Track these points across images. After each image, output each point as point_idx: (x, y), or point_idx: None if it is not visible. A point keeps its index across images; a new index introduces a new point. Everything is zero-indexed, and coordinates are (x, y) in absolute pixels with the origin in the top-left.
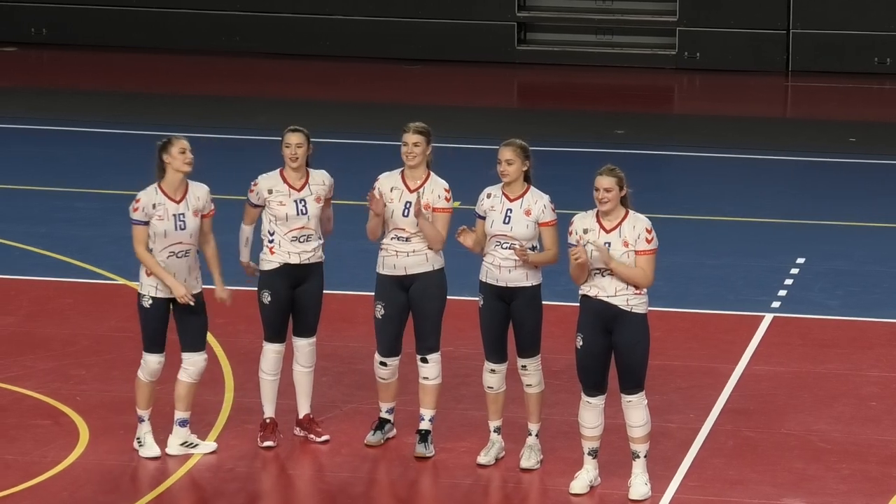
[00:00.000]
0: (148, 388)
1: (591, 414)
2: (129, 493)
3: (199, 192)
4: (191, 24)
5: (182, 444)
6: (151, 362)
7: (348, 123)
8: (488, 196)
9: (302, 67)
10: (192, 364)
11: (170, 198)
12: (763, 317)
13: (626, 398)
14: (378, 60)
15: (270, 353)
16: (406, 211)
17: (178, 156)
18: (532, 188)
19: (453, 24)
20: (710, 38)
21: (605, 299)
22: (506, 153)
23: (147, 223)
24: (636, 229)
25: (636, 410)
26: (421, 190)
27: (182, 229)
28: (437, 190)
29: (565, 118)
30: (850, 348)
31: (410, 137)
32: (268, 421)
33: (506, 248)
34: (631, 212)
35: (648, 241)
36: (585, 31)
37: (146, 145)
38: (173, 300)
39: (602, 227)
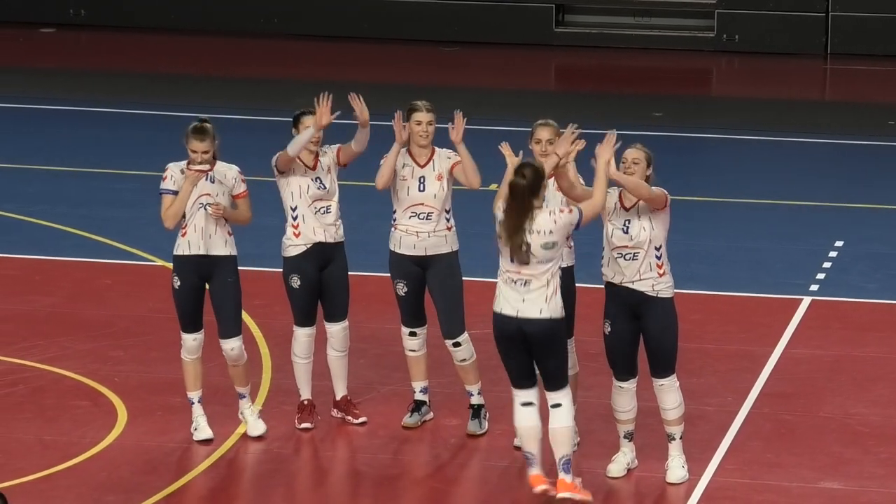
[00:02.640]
0: (192, 366)
1: (623, 398)
2: (166, 473)
3: (228, 173)
4: (228, 6)
5: (240, 414)
6: (187, 340)
7: (385, 106)
8: None
9: (339, 49)
10: (224, 351)
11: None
12: (801, 300)
13: (657, 382)
14: (415, 42)
15: (302, 336)
16: (422, 186)
17: (192, 154)
18: None
19: (491, 6)
20: (748, 20)
21: (630, 286)
22: (545, 133)
23: (176, 192)
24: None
25: (668, 394)
26: (430, 164)
27: (211, 182)
28: (444, 155)
29: (603, 100)
30: (889, 331)
31: (424, 116)
32: (305, 403)
33: None
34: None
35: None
36: (623, 13)
37: (184, 127)
38: (208, 278)
39: (622, 204)
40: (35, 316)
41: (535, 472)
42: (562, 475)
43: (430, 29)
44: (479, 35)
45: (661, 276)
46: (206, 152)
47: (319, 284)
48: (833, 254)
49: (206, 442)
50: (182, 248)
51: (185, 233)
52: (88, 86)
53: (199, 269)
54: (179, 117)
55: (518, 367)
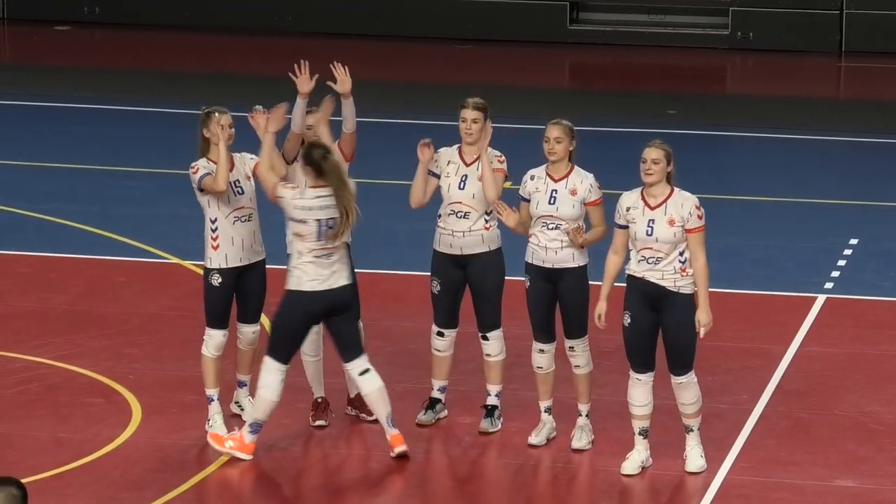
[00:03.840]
0: (213, 363)
1: (640, 392)
2: (181, 471)
3: (243, 157)
4: (243, 4)
5: (235, 403)
6: (216, 336)
7: (399, 103)
8: (532, 178)
9: (353, 47)
10: (243, 334)
11: None
12: (816, 298)
13: (675, 380)
14: (429, 40)
15: (310, 334)
16: (462, 184)
17: (220, 131)
18: (576, 167)
19: (505, 4)
20: (762, 18)
21: (652, 280)
22: (554, 131)
23: (211, 173)
24: (685, 207)
25: (687, 390)
26: (476, 164)
27: (241, 194)
28: (491, 155)
29: (617, 98)
30: None
31: (469, 114)
32: (319, 400)
33: (552, 229)
34: (677, 189)
35: (700, 218)
36: (638, 11)
37: (198, 125)
38: (242, 272)
39: (647, 203)
40: (49, 313)
41: (394, 431)
42: (393, 431)
43: (444, 27)
44: (493, 33)
45: (683, 276)
46: (231, 125)
47: None
48: (848, 251)
49: None
50: (217, 261)
51: (218, 246)
52: (102, 83)
53: (238, 273)
54: (194, 115)
55: (302, 341)
